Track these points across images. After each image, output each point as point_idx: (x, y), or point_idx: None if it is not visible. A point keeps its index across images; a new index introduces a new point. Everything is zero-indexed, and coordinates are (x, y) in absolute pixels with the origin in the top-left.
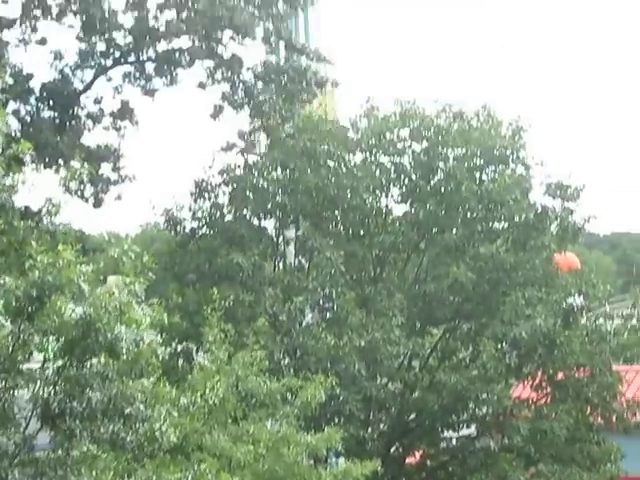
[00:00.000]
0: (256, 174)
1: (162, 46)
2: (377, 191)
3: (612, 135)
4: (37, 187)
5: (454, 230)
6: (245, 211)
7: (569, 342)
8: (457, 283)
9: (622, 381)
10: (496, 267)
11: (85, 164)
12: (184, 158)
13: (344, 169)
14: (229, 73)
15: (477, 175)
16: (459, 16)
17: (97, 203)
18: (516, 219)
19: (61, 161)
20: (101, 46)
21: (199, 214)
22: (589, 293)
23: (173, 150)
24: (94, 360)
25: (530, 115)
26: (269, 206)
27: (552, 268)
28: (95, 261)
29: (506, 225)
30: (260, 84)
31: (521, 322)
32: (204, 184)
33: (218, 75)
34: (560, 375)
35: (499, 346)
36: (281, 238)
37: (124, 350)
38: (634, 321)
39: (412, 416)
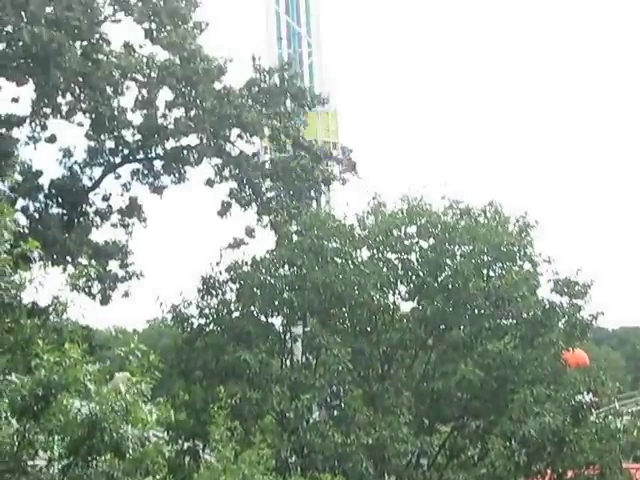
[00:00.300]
0: (263, 271)
1: (170, 144)
2: (384, 288)
3: (623, 229)
4: (45, 283)
5: (462, 327)
6: (252, 308)
7: (578, 440)
8: (465, 380)
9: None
10: (504, 364)
11: (92, 261)
12: (191, 254)
13: (351, 266)
14: (237, 170)
15: (484, 272)
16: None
17: (104, 300)
18: (524, 316)
19: (69, 258)
20: (110, 144)
21: (206, 311)
22: (598, 390)
23: (180, 246)
24: (100, 459)
25: (540, 205)
26: (276, 303)
27: (560, 365)
28: (102, 359)
29: (514, 322)
30: (268, 181)
31: (530, 420)
32: (211, 281)
33: (226, 172)
34: (570, 473)
35: (508, 444)
36: (288, 335)
37: (130, 449)
38: None
39: None
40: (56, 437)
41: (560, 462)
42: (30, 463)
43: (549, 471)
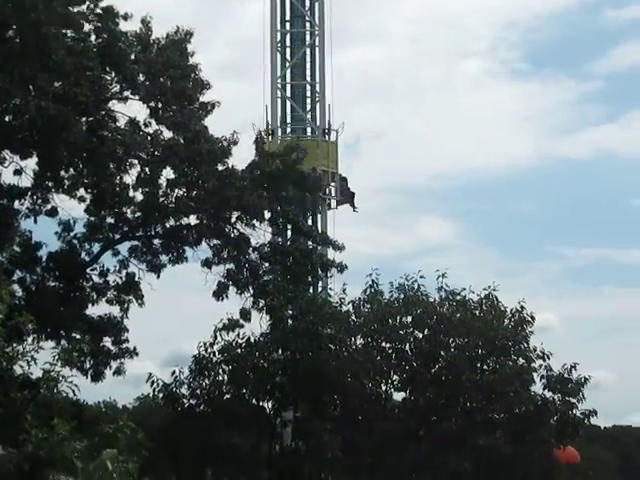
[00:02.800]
0: (257, 354)
1: (170, 223)
2: (377, 377)
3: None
4: (38, 357)
5: (453, 419)
6: (244, 390)
7: None
8: (455, 474)
9: None
10: (495, 459)
11: (86, 336)
12: (185, 332)
13: (345, 353)
14: (235, 252)
15: (478, 365)
16: None
17: (96, 377)
18: (516, 411)
19: (63, 332)
20: (110, 220)
21: (198, 392)
22: None
23: (174, 323)
24: None
25: None
26: (268, 387)
27: (551, 462)
28: (90, 435)
29: (506, 417)
30: (265, 265)
31: None
32: (204, 362)
33: (224, 254)
34: None
35: None
36: (279, 420)
37: None
38: None
39: None
40: None
41: None
42: None
43: None
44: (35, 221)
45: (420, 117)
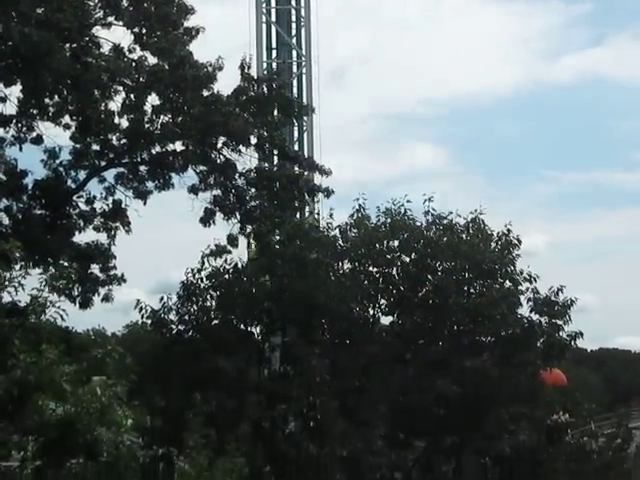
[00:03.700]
0: (244, 279)
1: (156, 149)
2: (365, 301)
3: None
4: (25, 284)
5: (440, 342)
6: (232, 316)
7: (553, 459)
8: (442, 396)
9: None
10: (481, 381)
11: (73, 264)
12: (173, 259)
13: (332, 278)
14: (222, 178)
15: (465, 288)
16: None
17: (84, 304)
18: (502, 334)
19: (50, 259)
20: (95, 147)
21: (186, 317)
22: (574, 411)
23: (162, 250)
24: (73, 461)
25: None
26: (256, 312)
27: (537, 384)
28: (79, 361)
29: (492, 339)
30: (252, 190)
31: (505, 437)
32: (192, 287)
33: (211, 180)
34: None
35: (482, 461)
36: (267, 344)
37: (104, 452)
38: (618, 440)
39: None
40: (30, 437)
41: None
42: (4, 464)
43: None
44: (20, 149)
45: (405, 43)
